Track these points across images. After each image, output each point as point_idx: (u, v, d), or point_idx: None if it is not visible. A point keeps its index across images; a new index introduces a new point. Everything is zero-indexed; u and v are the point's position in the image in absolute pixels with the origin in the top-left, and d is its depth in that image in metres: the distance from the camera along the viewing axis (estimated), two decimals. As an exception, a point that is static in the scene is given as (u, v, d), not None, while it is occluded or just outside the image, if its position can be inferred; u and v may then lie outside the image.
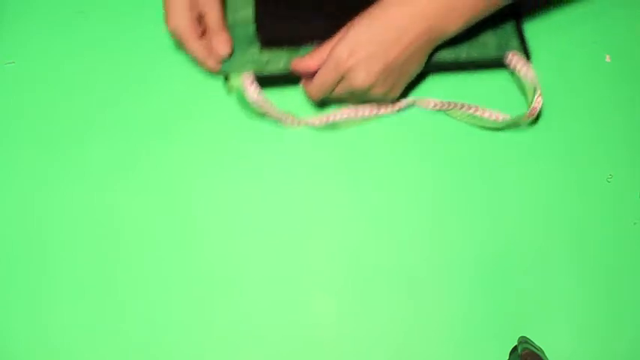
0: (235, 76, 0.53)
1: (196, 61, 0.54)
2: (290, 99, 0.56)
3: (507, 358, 0.46)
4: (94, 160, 0.56)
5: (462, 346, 0.48)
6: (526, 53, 0.54)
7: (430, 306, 0.49)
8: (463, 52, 0.54)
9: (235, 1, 0.57)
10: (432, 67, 0.54)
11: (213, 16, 0.53)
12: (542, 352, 0.44)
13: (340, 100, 0.54)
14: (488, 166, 0.53)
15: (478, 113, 0.54)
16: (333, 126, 0.55)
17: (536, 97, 0.52)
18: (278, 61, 0.54)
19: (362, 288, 0.50)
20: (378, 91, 0.51)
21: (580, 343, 0.48)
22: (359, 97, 0.52)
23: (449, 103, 0.55)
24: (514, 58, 0.54)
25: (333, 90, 0.52)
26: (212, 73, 0.56)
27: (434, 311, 0.49)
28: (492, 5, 0.50)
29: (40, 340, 0.49)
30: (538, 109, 0.52)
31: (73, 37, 0.61)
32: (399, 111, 0.55)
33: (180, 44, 0.53)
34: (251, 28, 0.55)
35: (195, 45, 0.53)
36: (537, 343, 0.45)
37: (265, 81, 0.54)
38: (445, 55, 0.54)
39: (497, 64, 0.55)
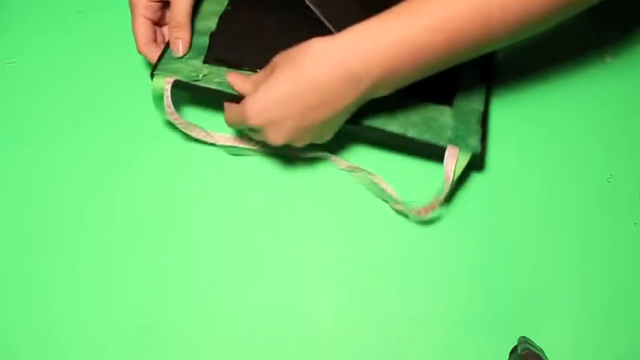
0: (160, 78, 0.51)
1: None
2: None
3: (507, 358, 0.46)
4: (93, 160, 0.56)
5: (462, 346, 0.48)
6: (482, 154, 0.47)
7: (430, 306, 0.49)
8: (414, 129, 0.48)
9: (205, 11, 0.55)
10: (370, 131, 0.48)
11: (179, 9, 0.51)
12: (542, 352, 0.44)
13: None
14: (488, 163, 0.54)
15: (382, 186, 0.50)
16: (237, 150, 0.52)
17: (436, 198, 0.47)
18: (216, 77, 0.51)
19: (360, 287, 0.50)
20: (297, 144, 0.47)
21: (580, 343, 0.48)
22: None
23: (357, 168, 0.51)
24: (450, 151, 0.47)
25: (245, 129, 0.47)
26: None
27: (434, 311, 0.49)
28: (433, 66, 0.42)
29: (40, 338, 0.49)
30: (428, 213, 0.47)
31: (73, 37, 0.62)
32: (311, 160, 0.52)
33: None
34: (205, 40, 0.53)
35: (145, 49, 0.53)
36: (537, 343, 0.45)
37: (198, 92, 0.51)
38: (392, 125, 0.48)
39: (439, 154, 0.48)
